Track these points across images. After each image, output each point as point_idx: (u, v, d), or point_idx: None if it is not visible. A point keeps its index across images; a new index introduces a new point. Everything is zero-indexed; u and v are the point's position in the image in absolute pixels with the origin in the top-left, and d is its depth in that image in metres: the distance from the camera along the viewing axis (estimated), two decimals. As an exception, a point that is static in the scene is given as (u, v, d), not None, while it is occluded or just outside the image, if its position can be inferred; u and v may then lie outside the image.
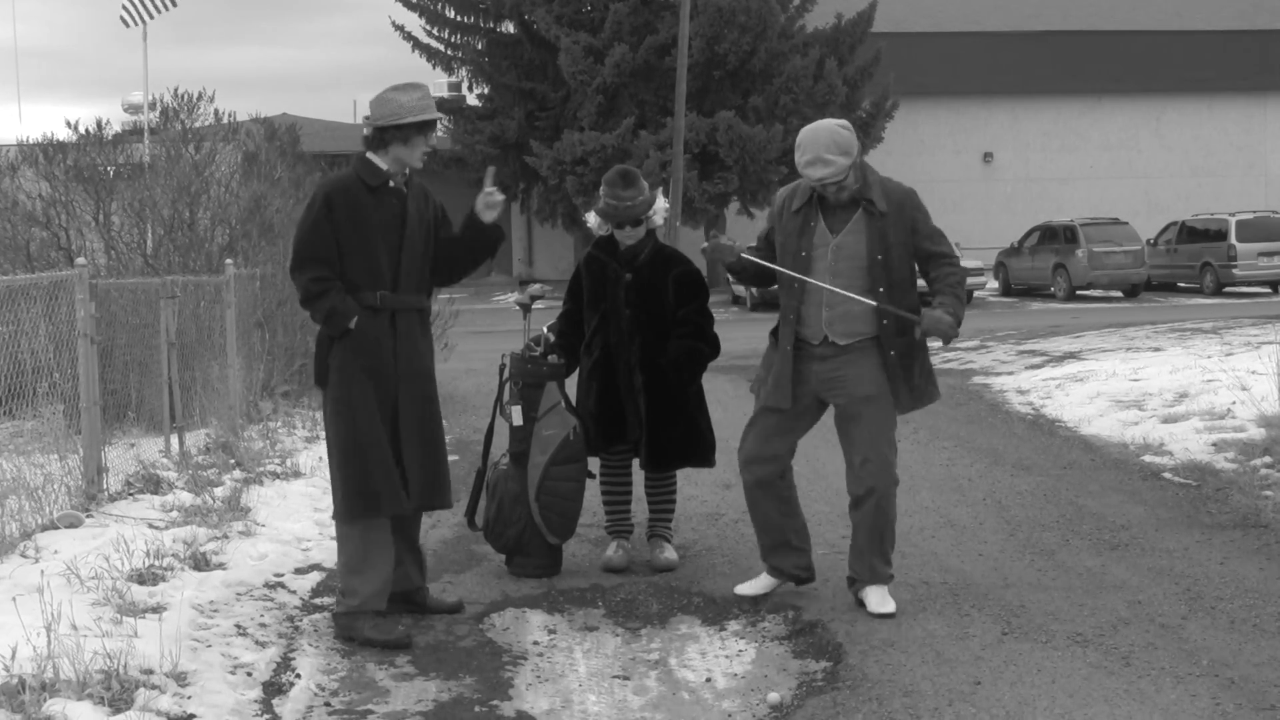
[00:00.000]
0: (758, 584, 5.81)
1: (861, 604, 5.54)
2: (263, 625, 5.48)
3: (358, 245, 5.37)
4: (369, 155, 5.46)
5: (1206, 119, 41.00)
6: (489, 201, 5.58)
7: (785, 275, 5.49)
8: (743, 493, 8.06)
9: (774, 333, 5.67)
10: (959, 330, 5.40)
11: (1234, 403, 9.68)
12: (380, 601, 5.43)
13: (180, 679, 4.64)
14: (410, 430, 5.44)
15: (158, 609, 5.26)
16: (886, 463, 5.50)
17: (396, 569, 5.67)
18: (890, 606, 5.47)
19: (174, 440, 9.09)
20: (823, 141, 5.30)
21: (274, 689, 4.82)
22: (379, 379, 5.38)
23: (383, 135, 5.40)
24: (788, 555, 5.75)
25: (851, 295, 5.35)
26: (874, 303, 5.34)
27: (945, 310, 5.33)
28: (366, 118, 5.52)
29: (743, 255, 5.61)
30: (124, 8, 21.69)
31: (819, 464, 8.71)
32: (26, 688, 4.29)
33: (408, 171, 5.51)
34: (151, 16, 21.89)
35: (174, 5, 22.02)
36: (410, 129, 5.38)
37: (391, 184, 5.44)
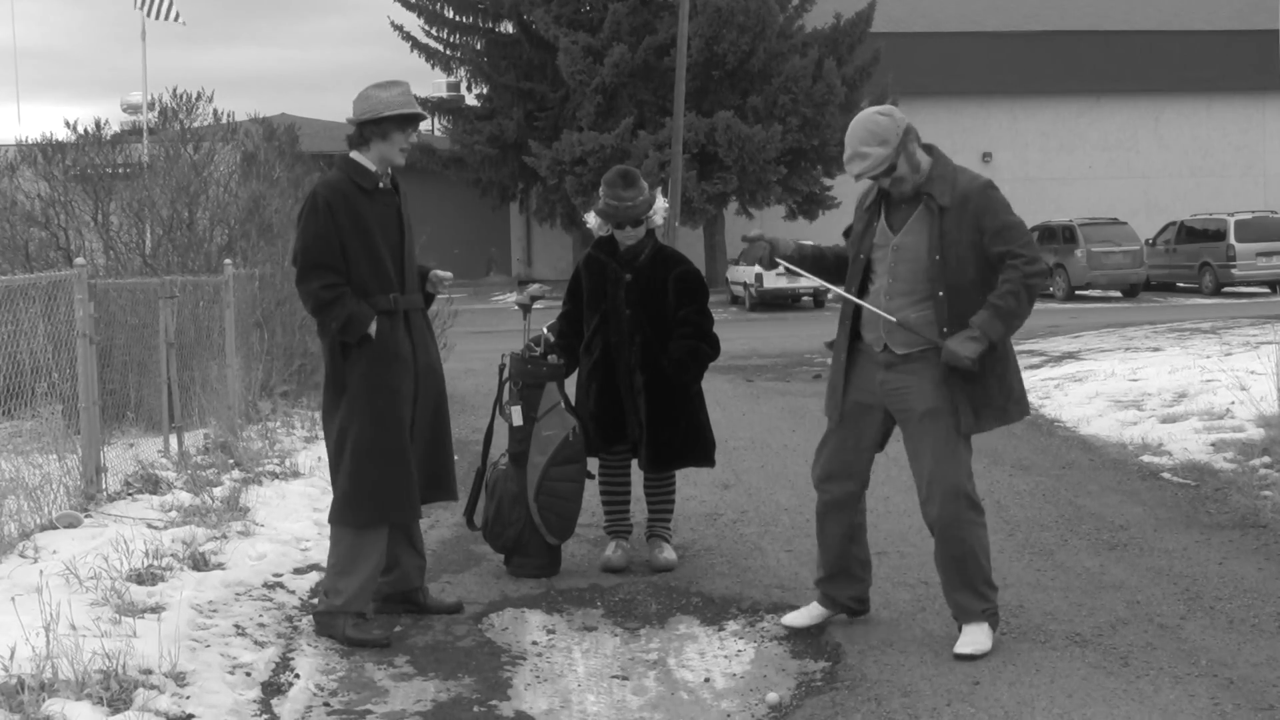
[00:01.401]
0: (808, 614, 5.33)
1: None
2: (261, 625, 5.48)
3: (363, 249, 5.37)
4: (354, 155, 5.46)
5: (1205, 119, 41.04)
6: (441, 282, 5.72)
7: (824, 282, 5.27)
8: (745, 494, 8.12)
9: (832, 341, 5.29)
10: (977, 352, 4.81)
11: (1233, 403, 9.68)
12: (363, 603, 5.44)
13: (179, 679, 4.64)
14: (422, 428, 5.51)
15: (156, 609, 5.26)
16: (954, 487, 4.95)
17: (395, 570, 5.69)
18: (974, 648, 4.92)
19: (173, 440, 9.09)
20: (858, 134, 4.90)
21: (273, 689, 4.82)
22: (402, 382, 5.42)
23: (363, 132, 5.42)
24: (846, 585, 5.32)
25: (874, 309, 4.99)
26: (894, 319, 4.97)
27: (968, 337, 4.82)
28: (350, 119, 5.52)
29: (801, 245, 5.23)
30: None
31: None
32: (25, 688, 4.28)
33: (390, 171, 5.53)
34: (155, 16, 21.88)
35: (179, 21, 22.07)
36: (389, 124, 5.39)
37: (382, 185, 5.47)
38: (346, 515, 5.42)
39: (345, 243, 5.35)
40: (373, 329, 5.34)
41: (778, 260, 5.30)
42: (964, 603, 5.03)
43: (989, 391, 4.95)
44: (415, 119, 5.50)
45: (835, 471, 5.19)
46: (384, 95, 5.41)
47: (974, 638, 4.97)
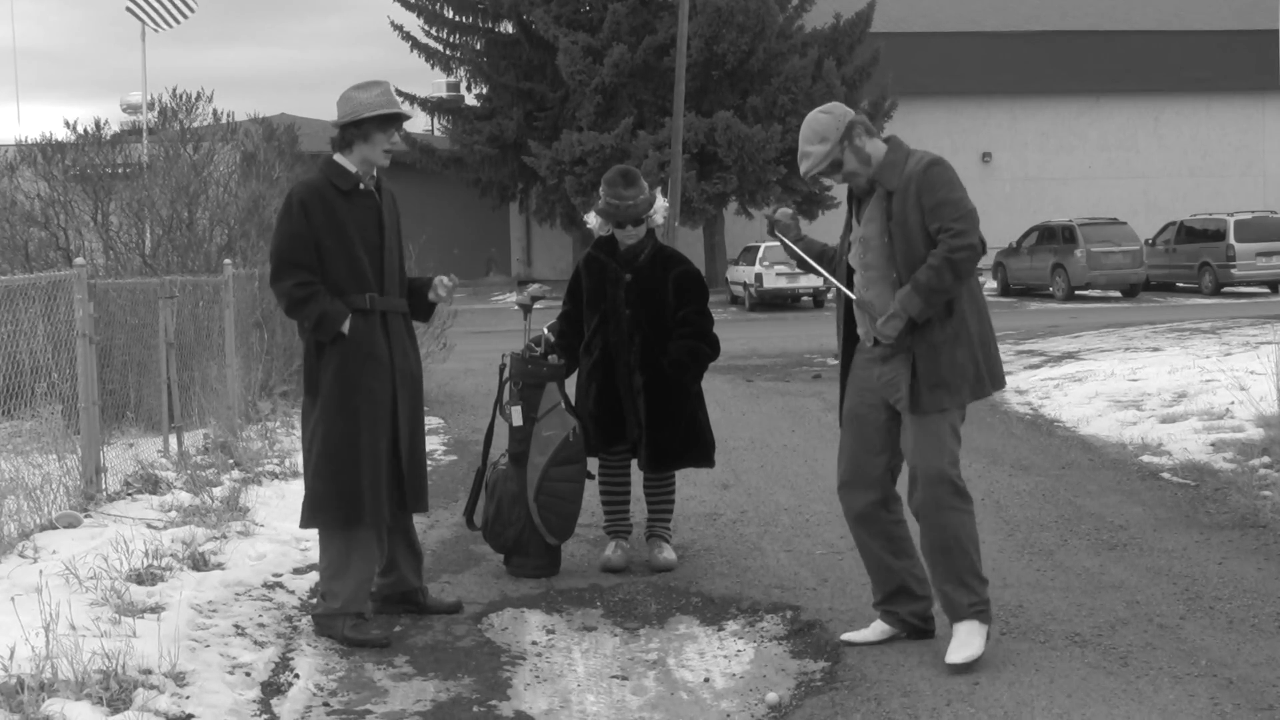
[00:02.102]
0: (870, 632, 5.14)
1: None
2: (261, 625, 5.48)
3: (339, 249, 5.35)
4: (335, 157, 5.46)
5: (1205, 119, 41.03)
6: (443, 290, 5.67)
7: (825, 275, 5.26)
8: (745, 494, 8.11)
9: None
10: (896, 329, 4.82)
11: (1232, 403, 9.68)
12: (360, 603, 5.43)
13: (179, 679, 4.64)
14: (404, 436, 5.46)
15: (156, 609, 5.26)
16: (936, 473, 4.87)
17: (393, 572, 5.68)
18: (966, 654, 4.78)
19: (172, 440, 9.09)
20: (804, 133, 4.96)
21: (272, 689, 4.82)
22: (378, 383, 5.38)
23: (345, 134, 5.41)
24: (905, 601, 5.11)
25: (842, 287, 5.07)
26: (854, 295, 5.02)
27: (889, 315, 4.83)
28: (333, 122, 5.51)
29: (806, 239, 5.27)
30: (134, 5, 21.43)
31: (818, 464, 8.72)
32: (25, 688, 4.29)
33: (375, 174, 5.51)
34: (160, 22, 21.71)
35: (188, 13, 21.84)
36: (370, 125, 5.37)
37: (362, 186, 5.44)
38: (310, 518, 5.40)
39: (320, 242, 5.33)
40: (346, 327, 5.31)
41: (777, 233, 5.26)
42: (951, 595, 4.88)
43: (955, 365, 4.84)
44: (396, 119, 5.48)
45: (850, 478, 5.10)
46: (363, 97, 5.40)
47: (965, 641, 4.82)
